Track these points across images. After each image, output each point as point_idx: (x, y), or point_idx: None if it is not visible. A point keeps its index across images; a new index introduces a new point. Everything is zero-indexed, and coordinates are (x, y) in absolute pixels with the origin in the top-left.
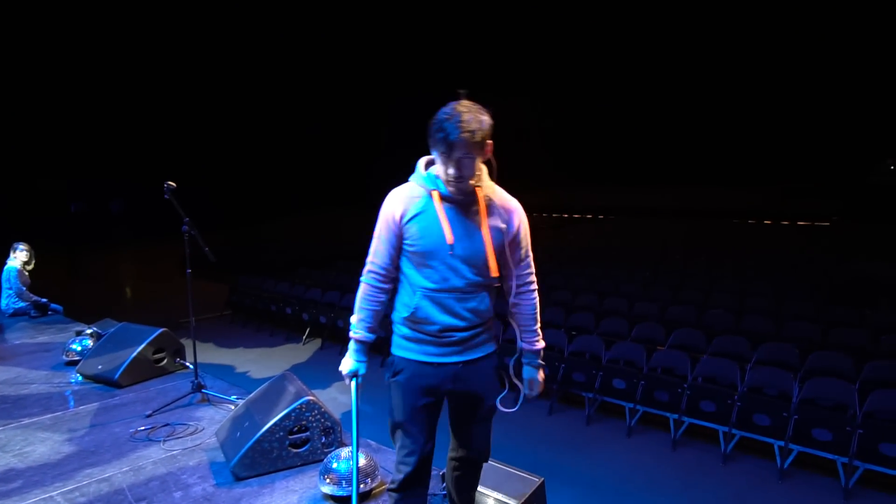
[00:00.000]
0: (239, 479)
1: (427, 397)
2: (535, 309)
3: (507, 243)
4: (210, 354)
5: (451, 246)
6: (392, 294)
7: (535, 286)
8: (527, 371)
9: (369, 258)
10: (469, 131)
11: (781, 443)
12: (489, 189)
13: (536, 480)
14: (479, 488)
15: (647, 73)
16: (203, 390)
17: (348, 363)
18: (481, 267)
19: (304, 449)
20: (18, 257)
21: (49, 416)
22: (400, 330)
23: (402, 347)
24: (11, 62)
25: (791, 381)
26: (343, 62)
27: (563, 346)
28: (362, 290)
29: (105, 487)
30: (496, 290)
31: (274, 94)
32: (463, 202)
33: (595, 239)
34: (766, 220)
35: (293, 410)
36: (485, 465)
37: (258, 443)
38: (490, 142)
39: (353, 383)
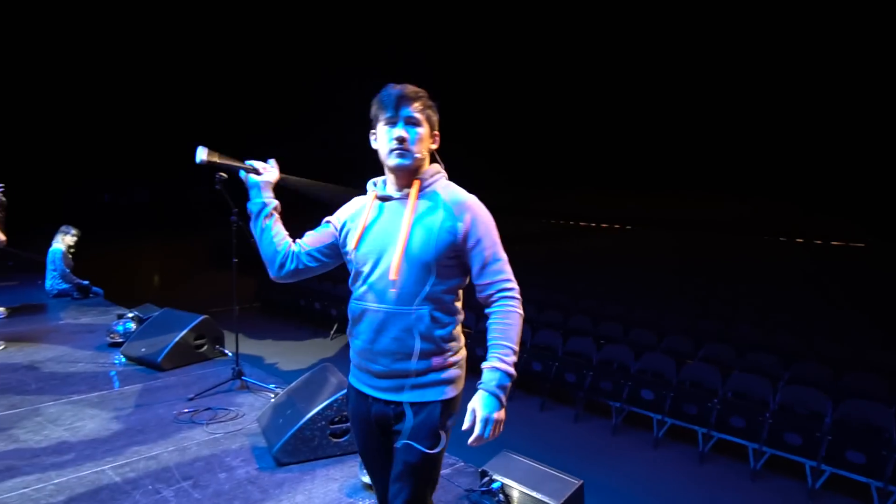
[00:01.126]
0: (280, 464)
1: (369, 437)
2: (509, 320)
3: (461, 248)
4: (241, 342)
5: (356, 251)
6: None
7: (511, 294)
8: (475, 397)
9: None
10: (415, 90)
11: (814, 463)
12: (440, 185)
13: (576, 482)
14: (520, 487)
15: (681, 80)
16: (243, 377)
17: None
18: (404, 272)
19: (343, 439)
20: (65, 240)
21: (96, 394)
22: (351, 353)
23: (351, 373)
24: (44, 55)
25: (825, 400)
26: (355, 55)
27: (590, 355)
28: (285, 239)
29: (153, 465)
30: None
31: (302, 83)
32: (401, 200)
33: (618, 249)
34: (797, 238)
35: (335, 401)
36: (525, 465)
37: (300, 430)
38: (437, 133)
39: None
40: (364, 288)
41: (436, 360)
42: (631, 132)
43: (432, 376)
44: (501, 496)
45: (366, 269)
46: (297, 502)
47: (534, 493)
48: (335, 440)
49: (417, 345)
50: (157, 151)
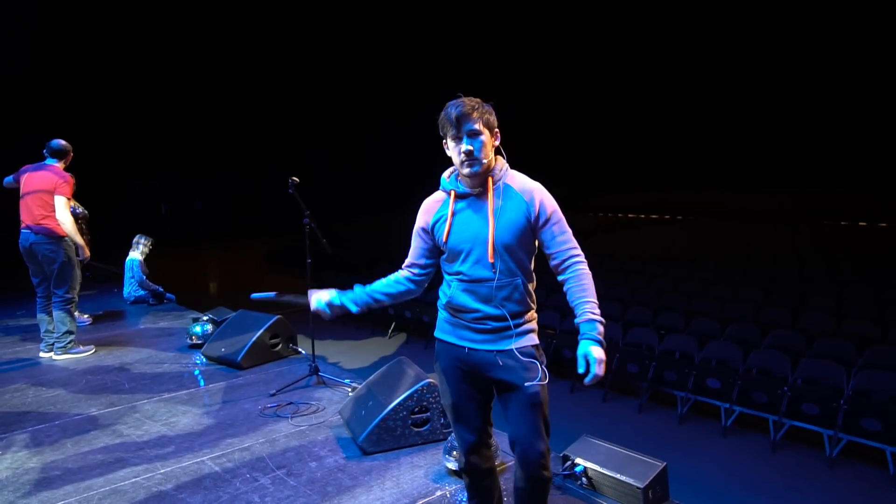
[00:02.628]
0: (366, 453)
1: (464, 383)
2: (584, 280)
3: (535, 227)
4: (302, 345)
5: (447, 242)
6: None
7: (580, 259)
8: (580, 346)
9: (407, 258)
10: (472, 105)
11: (894, 448)
12: (508, 176)
13: (660, 464)
14: (603, 470)
15: (738, 71)
16: (319, 374)
17: (315, 301)
18: (487, 254)
19: (424, 428)
20: (141, 249)
21: (185, 392)
22: (441, 314)
23: (442, 330)
24: (108, 71)
25: None
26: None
27: (653, 345)
28: (391, 277)
29: (247, 455)
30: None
31: (365, 92)
32: (478, 195)
33: (675, 240)
34: (860, 222)
35: (415, 392)
36: (607, 449)
37: (384, 421)
38: (497, 130)
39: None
40: (463, 268)
41: (527, 316)
42: (686, 125)
43: (525, 327)
44: (584, 479)
45: (461, 255)
46: (386, 488)
47: (618, 476)
48: (416, 429)
49: (513, 307)
50: (213, 163)
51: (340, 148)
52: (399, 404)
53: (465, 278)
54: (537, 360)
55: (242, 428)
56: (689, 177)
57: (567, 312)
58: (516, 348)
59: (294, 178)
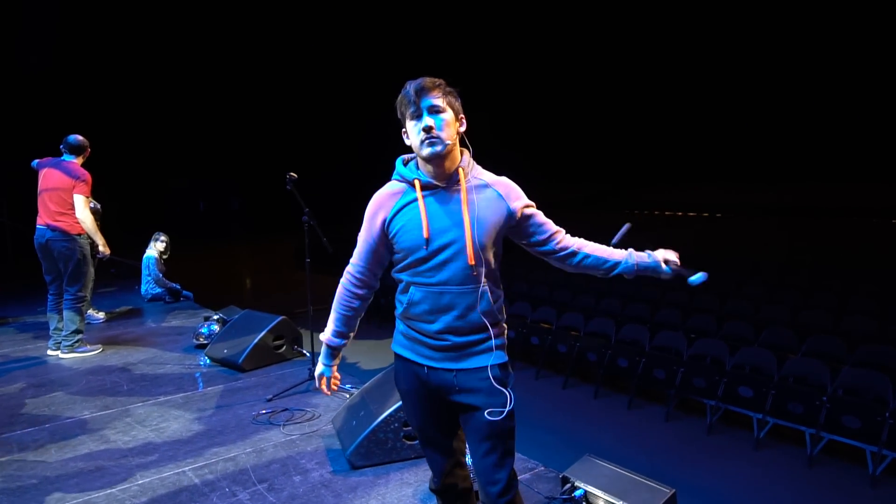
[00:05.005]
0: (354, 467)
1: (429, 405)
2: (592, 245)
3: (512, 224)
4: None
5: (428, 241)
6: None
7: (566, 233)
8: (662, 269)
9: (352, 260)
10: (433, 80)
11: None
12: (477, 171)
13: (667, 491)
14: (606, 496)
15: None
16: None
17: (319, 368)
18: (466, 256)
19: (418, 441)
20: (157, 247)
21: (181, 395)
22: (398, 325)
23: (399, 344)
24: (144, 70)
25: None
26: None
27: (681, 349)
28: (337, 293)
29: (231, 466)
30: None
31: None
32: (446, 189)
33: (707, 238)
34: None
35: None
36: (611, 472)
37: (373, 433)
38: (463, 117)
39: (324, 389)
40: (429, 273)
41: (495, 329)
42: (719, 120)
43: (492, 342)
44: None
45: (428, 256)
46: None
47: (621, 503)
48: (409, 442)
49: (479, 318)
50: (250, 162)
51: (367, 147)
52: (391, 415)
53: (425, 283)
54: (506, 382)
55: (231, 436)
56: (720, 172)
57: (592, 314)
58: (480, 367)
59: (292, 174)
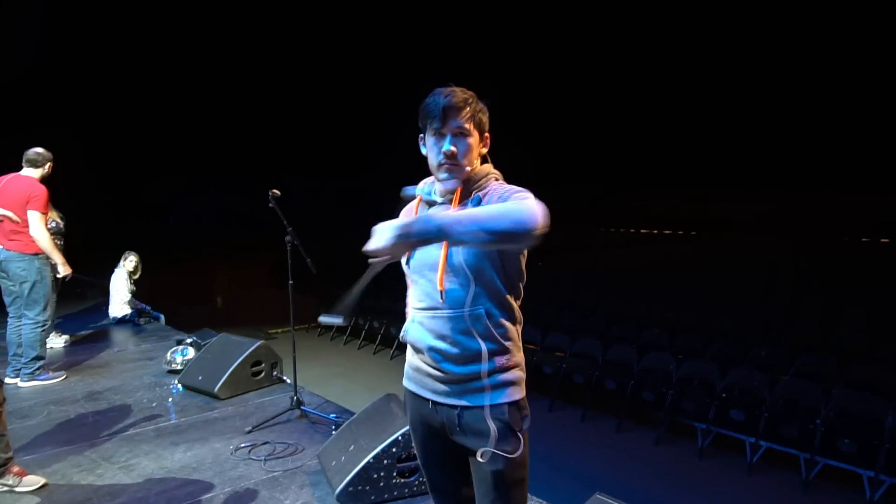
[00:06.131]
0: None
1: (434, 444)
2: None
3: None
4: (299, 365)
5: (407, 259)
6: None
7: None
8: None
9: None
10: (464, 97)
11: None
12: (490, 188)
13: None
14: None
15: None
16: (302, 407)
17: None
18: (450, 278)
19: (413, 479)
20: (126, 266)
21: (152, 427)
22: (408, 356)
23: (407, 377)
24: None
25: None
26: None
27: (669, 371)
28: None
29: None
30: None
31: (372, 101)
32: (442, 205)
33: (686, 256)
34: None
35: (402, 435)
36: None
37: (364, 470)
38: (488, 134)
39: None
40: (418, 296)
41: (498, 360)
42: (699, 134)
43: (498, 377)
44: None
45: (415, 278)
46: None
47: None
48: (403, 480)
49: (477, 346)
50: (225, 173)
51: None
52: (384, 450)
53: (418, 307)
54: (513, 425)
55: (208, 473)
56: (699, 183)
57: (577, 334)
58: (482, 405)
59: (274, 191)
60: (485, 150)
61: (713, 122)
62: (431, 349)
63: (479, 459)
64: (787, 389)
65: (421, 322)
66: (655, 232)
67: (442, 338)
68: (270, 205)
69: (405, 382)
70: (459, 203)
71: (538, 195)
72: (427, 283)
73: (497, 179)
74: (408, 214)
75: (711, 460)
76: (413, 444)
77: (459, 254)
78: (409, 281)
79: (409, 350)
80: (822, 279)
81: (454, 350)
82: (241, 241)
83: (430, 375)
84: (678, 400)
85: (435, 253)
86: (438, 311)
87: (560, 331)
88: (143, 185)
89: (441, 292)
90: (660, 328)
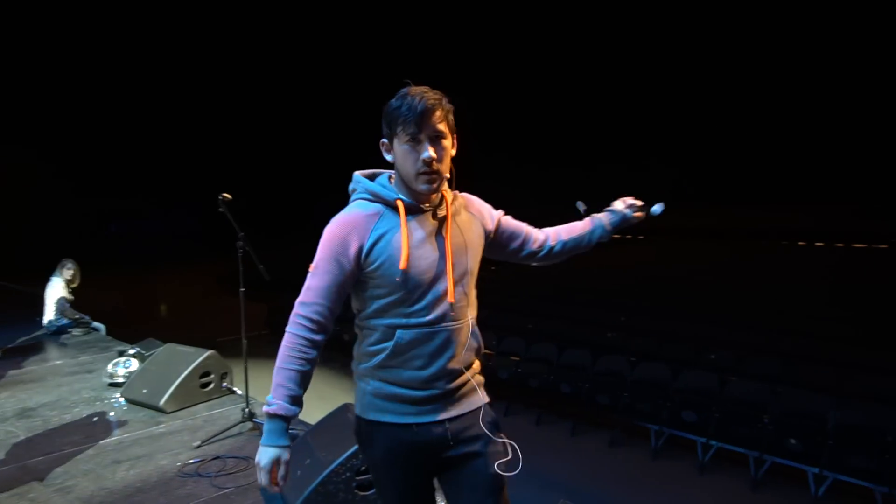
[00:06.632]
0: None
1: (414, 473)
2: (557, 229)
3: (493, 239)
4: (250, 375)
5: (405, 271)
6: (344, 343)
7: (533, 228)
8: (619, 217)
9: (300, 299)
10: (437, 99)
11: (885, 489)
12: (455, 193)
13: None
14: None
15: (701, 82)
16: (254, 419)
17: (265, 451)
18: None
19: (372, 492)
20: (64, 275)
21: (92, 445)
22: (369, 385)
23: (372, 408)
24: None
25: (890, 418)
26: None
27: (624, 373)
28: (285, 345)
29: None
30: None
31: (322, 105)
32: (431, 213)
33: (644, 261)
34: (837, 243)
35: None
36: None
37: (322, 485)
38: (455, 135)
39: (275, 481)
40: (420, 311)
41: (477, 365)
42: (647, 145)
43: (478, 379)
44: None
45: (420, 291)
46: None
47: None
48: (362, 493)
49: (472, 355)
50: (168, 179)
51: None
52: (342, 463)
53: (416, 323)
54: (499, 423)
55: (152, 493)
56: (667, 195)
57: (533, 338)
58: (474, 410)
59: (225, 195)
60: (454, 153)
61: (661, 137)
62: (425, 367)
63: (496, 469)
64: (736, 389)
65: (416, 338)
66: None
67: (441, 353)
68: (220, 209)
69: (368, 414)
70: (437, 216)
71: (493, 201)
72: (435, 296)
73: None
74: (367, 220)
75: (665, 461)
76: (382, 480)
77: (469, 264)
78: (397, 293)
79: (373, 375)
80: (766, 284)
81: (452, 364)
82: (191, 247)
83: (411, 398)
84: (632, 402)
85: (445, 263)
86: (446, 325)
87: (515, 335)
88: (85, 193)
89: (455, 304)
90: (614, 332)
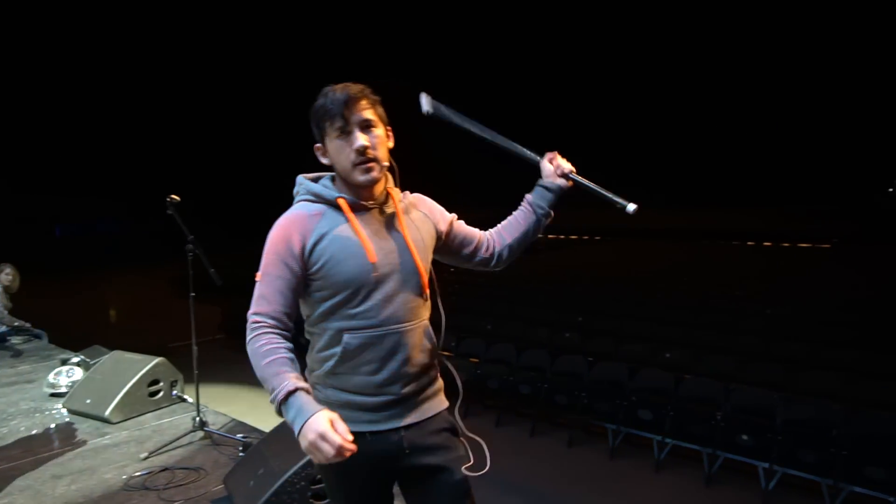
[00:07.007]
0: None
1: (366, 484)
2: (501, 231)
3: (442, 237)
4: (202, 381)
5: (375, 265)
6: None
7: (485, 232)
8: (549, 187)
9: (252, 310)
10: (358, 89)
11: (830, 481)
12: (406, 194)
13: None
14: None
15: (645, 88)
16: (205, 428)
17: (311, 423)
18: (415, 285)
19: (327, 501)
20: (1, 280)
21: (30, 458)
22: (321, 394)
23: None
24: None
25: (836, 413)
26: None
27: (581, 373)
28: (255, 349)
29: None
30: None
31: (279, 102)
32: (377, 210)
33: (600, 261)
34: (784, 243)
35: None
36: None
37: (276, 495)
38: (389, 127)
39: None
40: (367, 311)
41: (436, 371)
42: (615, 144)
43: (439, 384)
44: None
45: (366, 291)
46: None
47: None
48: (318, 503)
49: (427, 357)
50: (120, 178)
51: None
52: (296, 472)
53: (364, 325)
54: (458, 428)
55: None
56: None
57: (492, 339)
58: (433, 416)
59: (173, 197)
60: (391, 145)
61: (612, 141)
62: (377, 371)
63: (467, 473)
64: (691, 388)
65: (365, 342)
66: (562, 237)
67: (393, 356)
68: (169, 212)
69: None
70: (385, 212)
71: (447, 206)
72: (385, 295)
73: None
74: (310, 219)
75: (622, 459)
76: (335, 492)
77: (423, 261)
78: (342, 294)
79: (323, 382)
80: (720, 284)
81: (405, 368)
82: (140, 250)
83: (363, 405)
84: (590, 402)
85: (400, 260)
86: (396, 326)
87: (474, 336)
88: (23, 192)
89: (408, 302)
90: (572, 332)
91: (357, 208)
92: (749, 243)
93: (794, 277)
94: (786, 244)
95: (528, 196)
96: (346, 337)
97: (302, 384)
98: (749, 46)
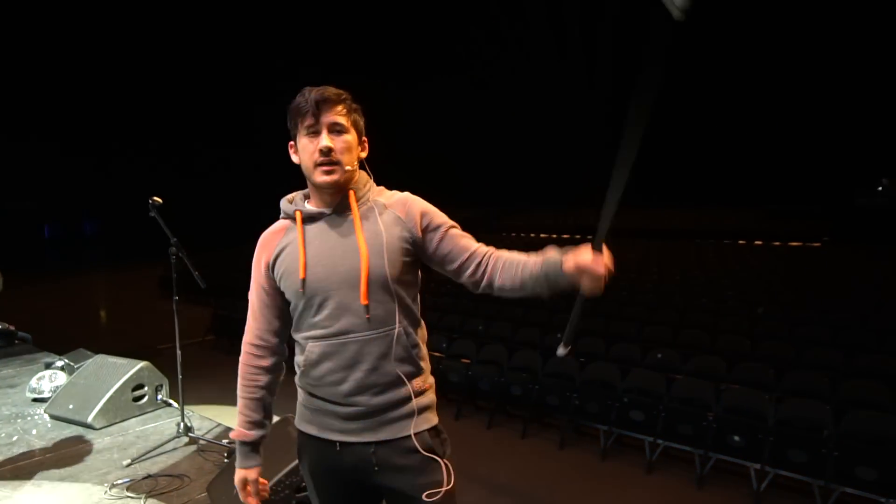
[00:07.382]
0: None
1: (343, 493)
2: (515, 255)
3: (421, 244)
4: (190, 384)
5: (304, 281)
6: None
7: (492, 251)
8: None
9: (244, 334)
10: (335, 92)
11: (821, 482)
12: (375, 193)
13: None
14: None
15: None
16: (190, 434)
17: (235, 473)
18: (375, 292)
19: None
20: None
21: (10, 466)
22: (299, 396)
23: (301, 417)
24: None
25: (828, 413)
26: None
27: (573, 374)
28: (239, 374)
29: None
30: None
31: (280, 102)
32: (337, 213)
33: None
34: (774, 242)
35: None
36: None
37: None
38: (366, 140)
39: (249, 499)
40: (323, 321)
41: (416, 383)
42: (591, 142)
43: (417, 402)
44: None
45: (319, 300)
46: None
47: None
48: None
49: (396, 368)
50: (106, 180)
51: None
52: (280, 481)
53: (322, 334)
54: (437, 452)
55: None
56: (599, 196)
57: (483, 340)
58: (403, 437)
59: (156, 199)
60: (364, 154)
61: (605, 140)
62: (342, 381)
63: (427, 500)
64: (681, 389)
65: (325, 351)
66: (554, 236)
67: (355, 365)
68: (151, 214)
69: (300, 425)
70: (344, 217)
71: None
72: (339, 303)
73: (373, 184)
74: (274, 236)
75: (614, 460)
76: (311, 494)
77: (384, 266)
78: (300, 304)
79: (302, 387)
80: (710, 283)
81: (371, 378)
82: (127, 252)
83: (335, 414)
84: (582, 403)
85: (351, 265)
86: (355, 335)
87: (466, 337)
88: (12, 194)
89: (365, 307)
90: (563, 333)
91: (314, 217)
92: (740, 242)
93: (785, 277)
94: (776, 243)
95: (548, 263)
96: (308, 346)
97: (241, 437)
98: (744, 46)
